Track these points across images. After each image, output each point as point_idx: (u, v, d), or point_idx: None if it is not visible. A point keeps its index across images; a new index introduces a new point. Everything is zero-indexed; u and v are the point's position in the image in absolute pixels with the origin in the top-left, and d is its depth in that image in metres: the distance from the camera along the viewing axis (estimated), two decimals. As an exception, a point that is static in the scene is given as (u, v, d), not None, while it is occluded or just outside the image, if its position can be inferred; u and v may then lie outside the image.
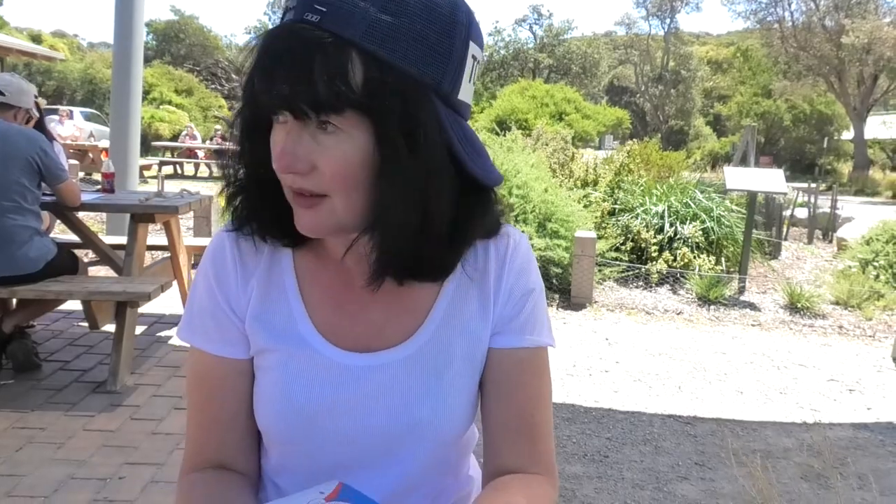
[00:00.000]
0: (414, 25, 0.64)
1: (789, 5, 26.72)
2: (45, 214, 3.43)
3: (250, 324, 0.79)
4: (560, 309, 5.16)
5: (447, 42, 0.67)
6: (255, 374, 0.81)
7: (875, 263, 6.41)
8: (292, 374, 0.77)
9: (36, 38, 27.74)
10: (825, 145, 20.76)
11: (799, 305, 5.41)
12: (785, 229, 8.88)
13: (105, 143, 10.98)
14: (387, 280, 0.76)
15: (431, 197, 0.69)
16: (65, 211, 3.44)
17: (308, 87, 0.62)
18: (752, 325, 5.01)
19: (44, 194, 3.17)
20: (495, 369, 0.83)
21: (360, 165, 0.67)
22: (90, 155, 12.73)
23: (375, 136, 0.66)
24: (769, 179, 6.01)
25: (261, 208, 0.77)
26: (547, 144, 9.01)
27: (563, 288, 5.45)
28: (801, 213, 10.14)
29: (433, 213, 0.70)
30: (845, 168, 26.00)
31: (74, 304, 3.98)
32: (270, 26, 0.68)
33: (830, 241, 9.10)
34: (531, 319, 0.84)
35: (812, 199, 9.70)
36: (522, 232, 0.87)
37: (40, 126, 3.41)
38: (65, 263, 3.19)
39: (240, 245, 0.81)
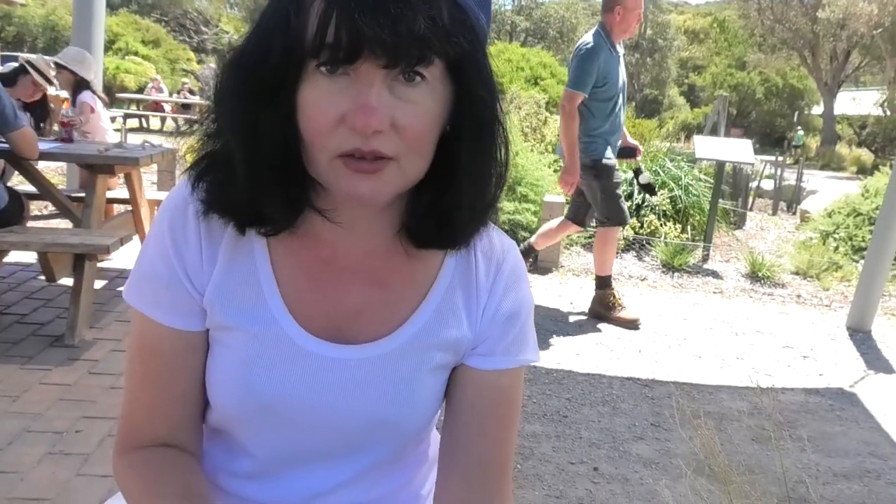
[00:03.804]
0: None
1: (768, -24, 26.73)
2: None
3: (211, 297, 0.70)
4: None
5: None
6: (212, 349, 0.74)
7: (835, 235, 6.56)
8: (254, 357, 0.70)
9: (-6, -19, 26.50)
10: (795, 119, 21.04)
11: (760, 274, 5.52)
12: (751, 200, 9.01)
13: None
14: (376, 262, 0.72)
15: (499, 150, 0.67)
16: (21, 161, 3.33)
17: (412, 27, 0.54)
18: (714, 293, 5.11)
19: (-2, 142, 3.07)
20: (471, 392, 0.77)
21: (439, 121, 0.62)
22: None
23: (457, 88, 0.61)
24: (738, 150, 6.07)
25: (242, 193, 0.64)
26: (520, 108, 8.96)
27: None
28: (768, 184, 10.29)
29: (499, 168, 0.68)
30: (813, 143, 26.40)
31: (32, 257, 3.89)
32: None
33: (794, 213, 9.28)
34: (518, 340, 0.78)
35: (779, 172, 9.84)
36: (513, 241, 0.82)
37: None
38: (15, 212, 3.10)
39: None
